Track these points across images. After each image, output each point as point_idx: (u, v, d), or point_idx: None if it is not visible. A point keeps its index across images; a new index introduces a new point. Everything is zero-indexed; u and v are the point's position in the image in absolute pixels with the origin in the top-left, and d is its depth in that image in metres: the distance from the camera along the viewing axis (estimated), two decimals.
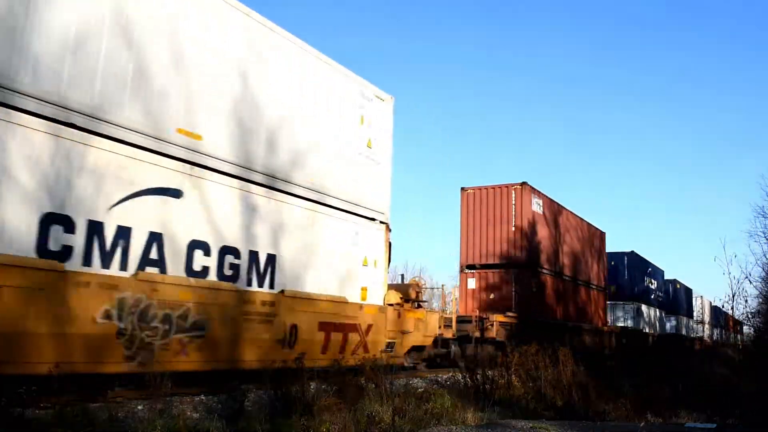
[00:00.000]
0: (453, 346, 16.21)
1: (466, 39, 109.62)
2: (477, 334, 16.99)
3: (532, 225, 20.99)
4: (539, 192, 21.89)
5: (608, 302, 31.78)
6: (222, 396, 7.81)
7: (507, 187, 20.74)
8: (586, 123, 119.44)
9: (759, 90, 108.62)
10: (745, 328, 44.49)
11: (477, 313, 18.42)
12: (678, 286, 47.20)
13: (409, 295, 13.13)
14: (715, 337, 53.97)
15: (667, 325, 42.88)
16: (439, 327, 14.33)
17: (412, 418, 7.15)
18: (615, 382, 11.76)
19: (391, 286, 13.70)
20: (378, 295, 11.73)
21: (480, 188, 21.15)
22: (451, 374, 13.01)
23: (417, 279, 14.19)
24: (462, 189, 21.50)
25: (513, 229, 20.38)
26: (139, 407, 6.95)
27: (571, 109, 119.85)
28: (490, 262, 20.60)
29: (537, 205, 21.42)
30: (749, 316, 24.15)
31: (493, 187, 20.97)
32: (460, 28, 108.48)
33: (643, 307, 35.97)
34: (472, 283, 20.75)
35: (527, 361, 10.89)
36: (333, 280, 10.58)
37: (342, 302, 10.64)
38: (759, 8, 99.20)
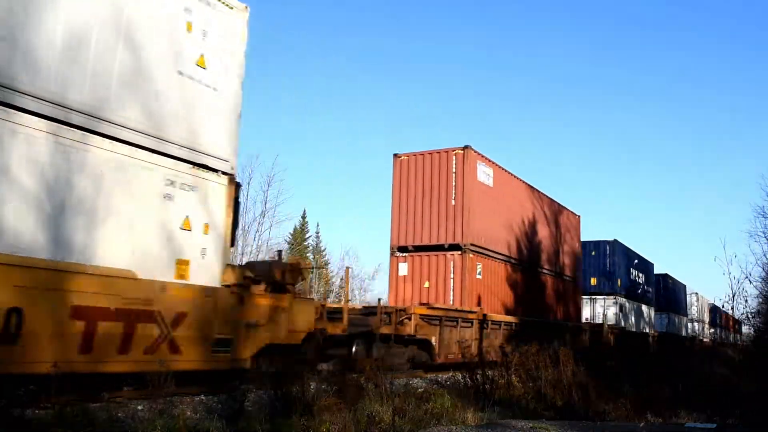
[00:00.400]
0: (355, 346, 12.59)
1: (466, 39, 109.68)
2: (386, 330, 13.25)
3: (478, 198, 17.58)
4: (488, 159, 18.47)
5: (585, 296, 29.24)
6: (222, 396, 7.83)
7: (447, 152, 17.40)
8: (585, 122, 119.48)
9: (759, 90, 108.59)
10: (745, 328, 44.41)
11: (382, 303, 14.52)
12: (670, 282, 44.49)
13: (271, 275, 9.69)
14: (711, 337, 53.03)
15: (658, 324, 40.25)
16: (320, 318, 10.82)
17: (412, 418, 7.16)
18: (615, 382, 11.76)
19: (248, 265, 10.76)
20: (209, 272, 8.49)
21: (415, 154, 17.88)
22: (451, 374, 13.02)
23: (298, 257, 11.50)
24: (395, 156, 18.17)
25: (453, 203, 17.02)
26: (139, 407, 6.97)
27: (571, 109, 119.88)
28: (426, 243, 17.34)
29: (485, 175, 18.06)
30: (749, 316, 24.21)
31: (431, 153, 17.69)
32: (460, 28, 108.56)
33: (628, 303, 32.63)
34: (403, 269, 17.29)
35: (527, 361, 10.89)
36: (123, 248, 7.50)
37: (125, 278, 7.41)
38: (759, 8, 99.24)
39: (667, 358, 18.57)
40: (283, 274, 9.86)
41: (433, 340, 14.62)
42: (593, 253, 30.91)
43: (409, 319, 13.74)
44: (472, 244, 17.06)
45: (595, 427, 7.81)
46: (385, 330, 13.24)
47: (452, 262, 16.88)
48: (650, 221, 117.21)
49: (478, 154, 17.78)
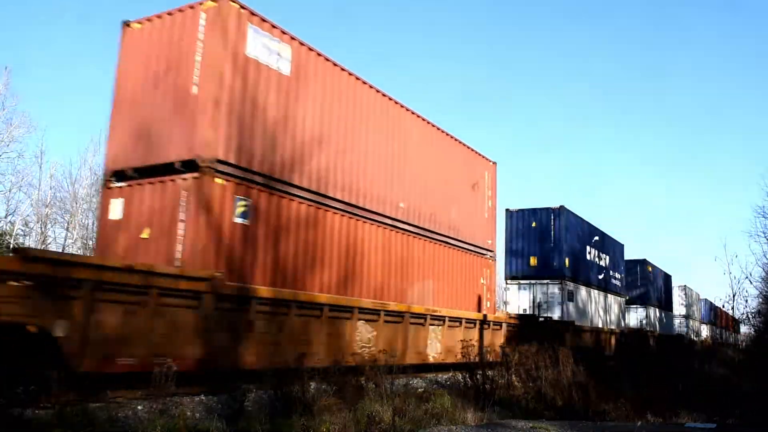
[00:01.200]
0: None
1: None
2: None
3: (246, 86, 9.77)
4: (279, 28, 10.49)
5: (522, 281, 23.66)
6: (222, 396, 7.83)
7: (193, 8, 9.80)
8: (585, 122, 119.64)
9: (759, 89, 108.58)
10: (744, 328, 44.13)
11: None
12: (649, 269, 36.57)
13: None
14: (711, 336, 51.15)
15: (632, 319, 34.65)
16: None
17: (412, 418, 7.18)
18: (615, 382, 11.81)
19: None
20: None
21: (152, 19, 10.47)
22: (451, 374, 13.03)
23: None
24: (124, 25, 10.72)
25: (195, 91, 9.44)
26: (139, 407, 6.98)
27: (570, 109, 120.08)
28: (152, 162, 9.73)
29: (269, 53, 10.17)
30: (749, 316, 24.31)
31: (171, 14, 10.17)
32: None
33: (582, 290, 25.17)
34: (117, 209, 10.08)
35: (528, 361, 10.94)
36: None
37: None
38: (759, 6, 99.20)
39: (667, 357, 18.61)
40: None
41: (60, 329, 6.91)
42: (533, 225, 23.75)
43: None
44: (221, 161, 9.25)
45: (595, 427, 7.83)
46: None
47: (185, 193, 9.27)
48: (647, 221, 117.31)
49: (252, 12, 10.04)
